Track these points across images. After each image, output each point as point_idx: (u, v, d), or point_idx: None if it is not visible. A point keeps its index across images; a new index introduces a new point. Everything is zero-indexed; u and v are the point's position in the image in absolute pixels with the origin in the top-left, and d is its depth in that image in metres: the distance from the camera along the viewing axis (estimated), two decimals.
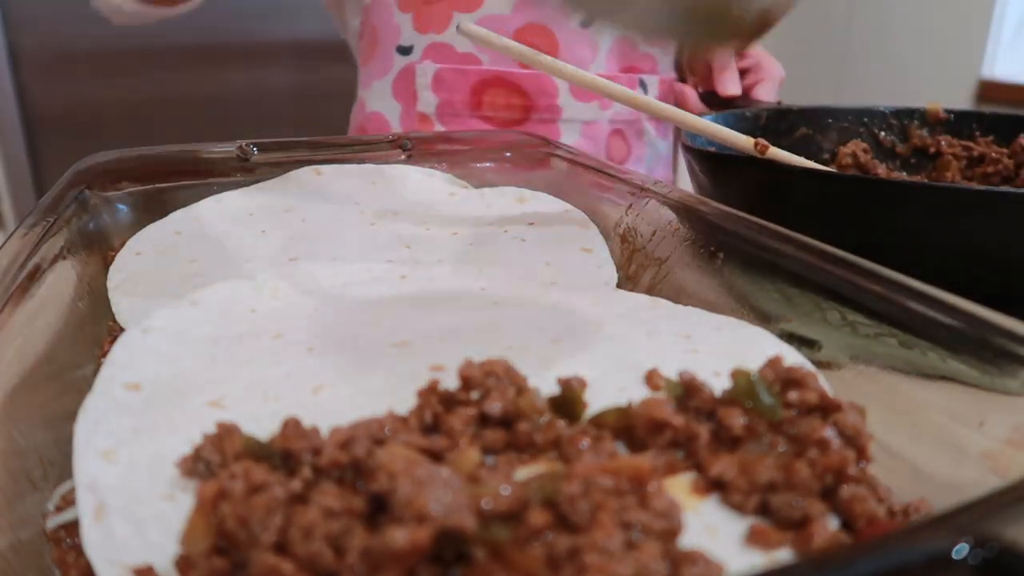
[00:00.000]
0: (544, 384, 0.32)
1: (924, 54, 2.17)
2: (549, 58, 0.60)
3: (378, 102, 0.98)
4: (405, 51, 0.94)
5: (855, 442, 0.30)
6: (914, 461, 0.34)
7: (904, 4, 2.21)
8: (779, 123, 0.89)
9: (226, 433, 0.29)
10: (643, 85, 0.99)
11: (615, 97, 0.60)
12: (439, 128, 0.95)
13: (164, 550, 0.26)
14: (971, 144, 0.84)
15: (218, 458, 0.29)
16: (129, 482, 0.29)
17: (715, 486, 0.29)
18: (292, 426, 0.30)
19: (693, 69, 1.04)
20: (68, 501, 0.32)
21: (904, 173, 0.88)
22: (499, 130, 0.91)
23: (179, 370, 0.35)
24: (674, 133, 1.09)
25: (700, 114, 0.84)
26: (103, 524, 0.27)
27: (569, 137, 0.95)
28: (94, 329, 0.47)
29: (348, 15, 1.04)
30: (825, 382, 0.35)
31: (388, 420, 0.30)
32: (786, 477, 0.28)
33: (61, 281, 0.45)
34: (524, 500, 0.25)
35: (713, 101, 1.00)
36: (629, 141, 1.00)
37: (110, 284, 0.48)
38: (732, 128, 0.86)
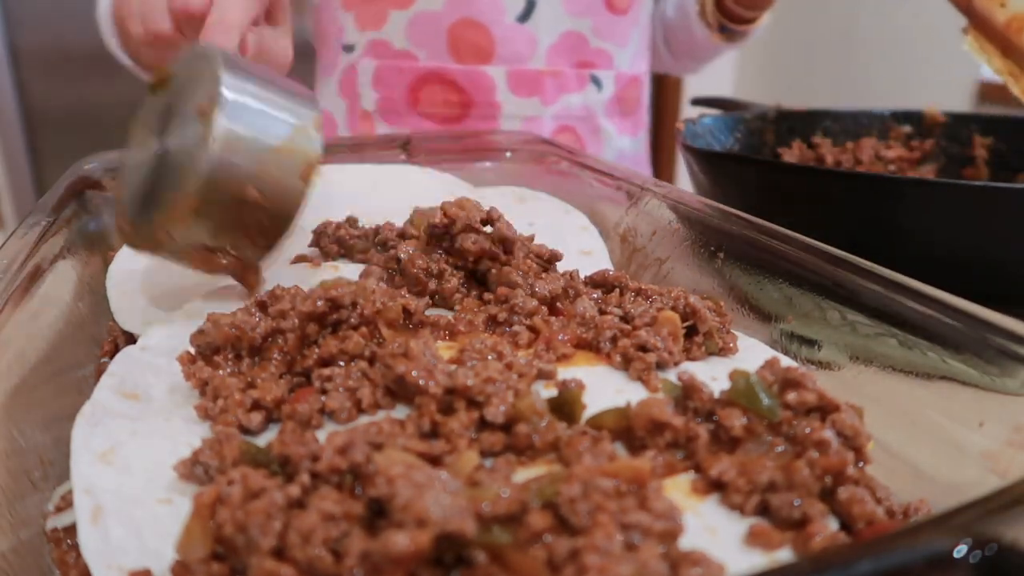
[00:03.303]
0: None
1: (924, 55, 2.17)
2: None
3: (326, 100, 0.97)
4: (349, 49, 0.93)
5: (853, 443, 0.30)
6: (914, 461, 0.34)
7: (904, 5, 2.21)
8: (780, 125, 0.89)
9: (225, 438, 0.29)
10: (596, 81, 0.96)
11: None
12: (381, 126, 0.94)
13: (162, 554, 0.26)
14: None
15: (216, 463, 0.29)
16: (126, 485, 0.29)
17: (715, 487, 0.29)
18: (290, 432, 0.30)
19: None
20: (68, 501, 0.32)
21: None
22: (499, 130, 0.91)
23: (176, 382, 0.35)
24: (650, 132, 1.08)
25: (698, 117, 0.84)
26: (100, 527, 0.27)
27: None
28: (94, 329, 0.47)
29: (306, 16, 1.04)
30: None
31: (386, 424, 0.30)
32: (786, 477, 0.28)
33: (61, 281, 0.45)
34: (524, 503, 0.24)
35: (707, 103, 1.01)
36: (582, 138, 0.97)
37: (109, 283, 0.48)
38: (732, 130, 0.86)
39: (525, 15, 0.90)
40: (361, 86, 0.93)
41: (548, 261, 0.47)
